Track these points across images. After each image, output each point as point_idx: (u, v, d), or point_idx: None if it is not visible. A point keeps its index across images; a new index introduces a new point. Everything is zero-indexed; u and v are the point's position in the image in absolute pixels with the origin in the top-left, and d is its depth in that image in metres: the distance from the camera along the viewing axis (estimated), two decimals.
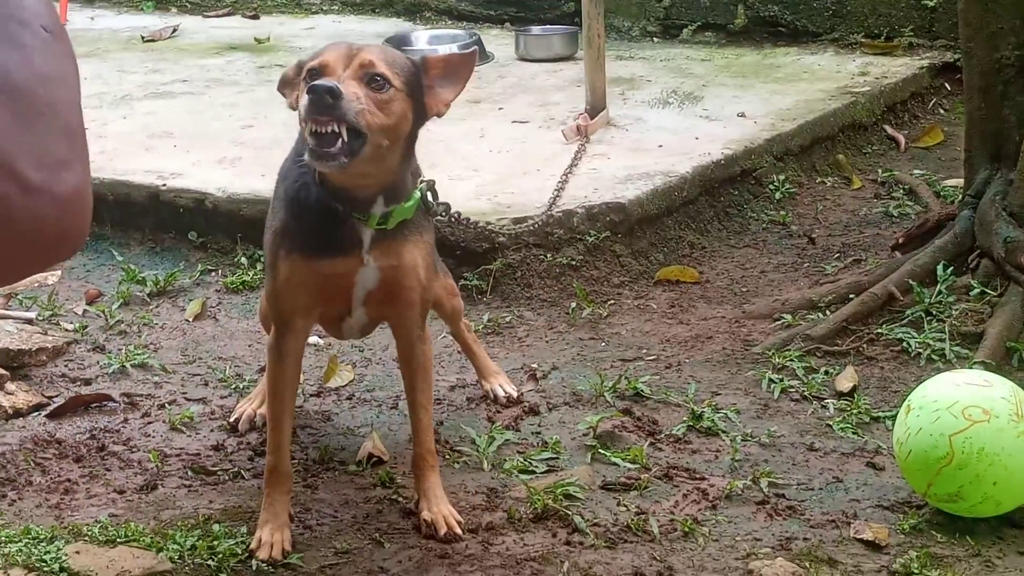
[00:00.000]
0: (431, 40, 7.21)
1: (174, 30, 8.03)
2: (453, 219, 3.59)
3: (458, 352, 4.20)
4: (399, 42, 7.11)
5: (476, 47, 3.19)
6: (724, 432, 3.73)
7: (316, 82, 2.87)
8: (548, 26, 7.18)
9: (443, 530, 3.25)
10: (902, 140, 5.97)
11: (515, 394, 3.99)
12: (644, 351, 4.29)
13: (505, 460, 3.62)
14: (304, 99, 2.88)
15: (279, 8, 8.48)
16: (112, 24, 8.38)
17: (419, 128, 3.13)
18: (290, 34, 7.92)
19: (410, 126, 3.06)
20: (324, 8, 8.36)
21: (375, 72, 2.95)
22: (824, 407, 3.84)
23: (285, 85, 3.15)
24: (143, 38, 7.92)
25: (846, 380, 3.94)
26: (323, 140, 2.87)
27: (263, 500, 3.30)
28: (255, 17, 8.34)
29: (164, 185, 5.26)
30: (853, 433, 3.69)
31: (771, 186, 5.40)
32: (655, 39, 7.24)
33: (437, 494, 3.33)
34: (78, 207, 1.14)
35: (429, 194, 3.25)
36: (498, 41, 7.29)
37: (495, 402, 3.98)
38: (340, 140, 2.86)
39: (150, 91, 6.74)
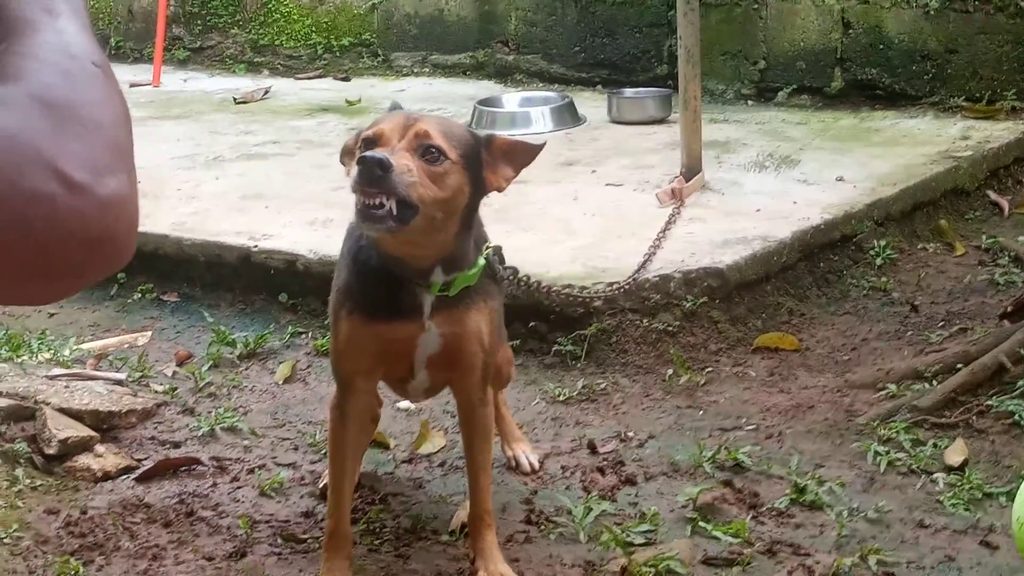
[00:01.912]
0: (522, 102, 7.17)
1: (266, 92, 8.05)
2: (522, 284, 3.51)
3: (552, 419, 4.10)
4: (490, 104, 7.08)
5: (546, 142, 3.12)
6: (829, 506, 3.59)
7: (366, 153, 2.83)
8: (641, 88, 7.11)
9: None
10: (1006, 206, 5.82)
11: (538, 464, 3.90)
12: (743, 420, 4.17)
13: (602, 532, 3.51)
14: (354, 169, 2.84)
15: (370, 70, 8.47)
16: (204, 86, 8.42)
17: (479, 201, 3.07)
18: (381, 96, 7.89)
19: (467, 199, 3.00)
20: (415, 71, 8.35)
21: (430, 144, 2.89)
22: (933, 481, 3.70)
23: (345, 154, 3.11)
24: (235, 100, 7.95)
25: (956, 453, 3.79)
26: (372, 205, 2.83)
27: (321, 564, 3.25)
28: (346, 79, 8.35)
29: (255, 247, 5.23)
30: (965, 509, 3.55)
31: (871, 252, 5.27)
32: (749, 102, 7.14)
33: (494, 553, 3.29)
34: (122, 211, 1.17)
35: (496, 260, 3.20)
36: (590, 103, 7.23)
37: (517, 469, 3.89)
38: (388, 208, 2.81)
39: (242, 152, 6.74)
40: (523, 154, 3.10)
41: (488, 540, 3.30)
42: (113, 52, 9.24)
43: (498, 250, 3.23)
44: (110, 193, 1.14)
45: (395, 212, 2.81)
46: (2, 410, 4.05)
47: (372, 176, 2.79)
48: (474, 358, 3.17)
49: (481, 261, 3.14)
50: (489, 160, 3.02)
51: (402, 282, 3.07)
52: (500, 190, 3.07)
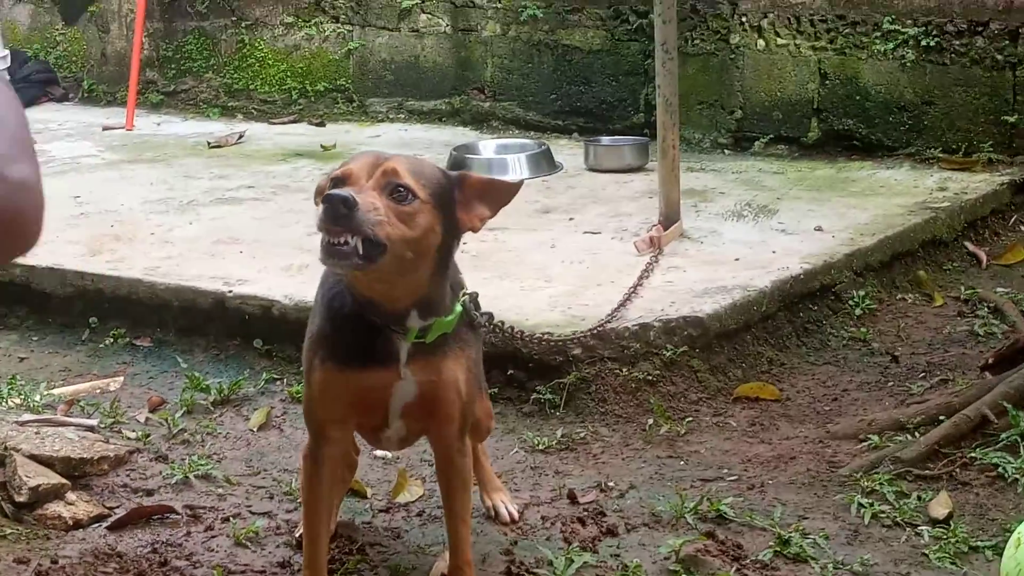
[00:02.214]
0: (498, 149, 7.14)
1: (240, 136, 8.01)
2: (498, 330, 3.45)
3: (531, 468, 4.05)
4: (466, 151, 7.05)
5: (523, 180, 3.06)
6: (813, 559, 3.55)
7: (331, 191, 2.77)
8: (618, 136, 7.09)
9: None
10: (984, 257, 5.81)
11: (517, 515, 3.84)
12: (725, 471, 4.12)
13: None
14: (319, 208, 2.79)
15: (345, 116, 8.43)
16: (178, 130, 8.36)
17: (453, 242, 3.01)
18: (356, 142, 7.86)
19: (439, 239, 2.94)
20: (391, 116, 8.31)
21: (399, 183, 2.84)
22: (918, 534, 3.66)
23: (317, 194, 3.04)
24: (209, 144, 7.90)
25: (940, 506, 3.75)
26: (337, 243, 2.77)
27: None
28: (321, 125, 8.30)
29: (230, 292, 5.17)
30: (951, 563, 3.50)
31: (851, 302, 5.25)
32: (726, 151, 7.13)
33: None
34: (30, 195, 1.35)
35: (472, 307, 3.15)
36: (566, 151, 7.21)
37: (496, 519, 3.83)
38: (353, 246, 2.75)
39: (216, 196, 6.68)
40: (499, 193, 3.03)
41: None
42: (86, 95, 9.20)
43: (474, 297, 3.17)
44: (18, 177, 1.32)
45: (361, 250, 2.75)
46: None
47: (336, 214, 2.72)
48: (451, 407, 3.12)
49: (458, 307, 3.08)
50: (462, 200, 2.96)
51: (377, 329, 3.01)
52: (475, 230, 3.01)
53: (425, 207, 2.87)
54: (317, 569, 3.21)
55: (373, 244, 2.76)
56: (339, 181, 2.84)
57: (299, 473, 4.16)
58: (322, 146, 7.69)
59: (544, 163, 6.89)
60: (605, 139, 7.06)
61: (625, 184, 6.55)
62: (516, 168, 6.84)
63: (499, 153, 7.07)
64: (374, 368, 3.04)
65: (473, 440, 3.82)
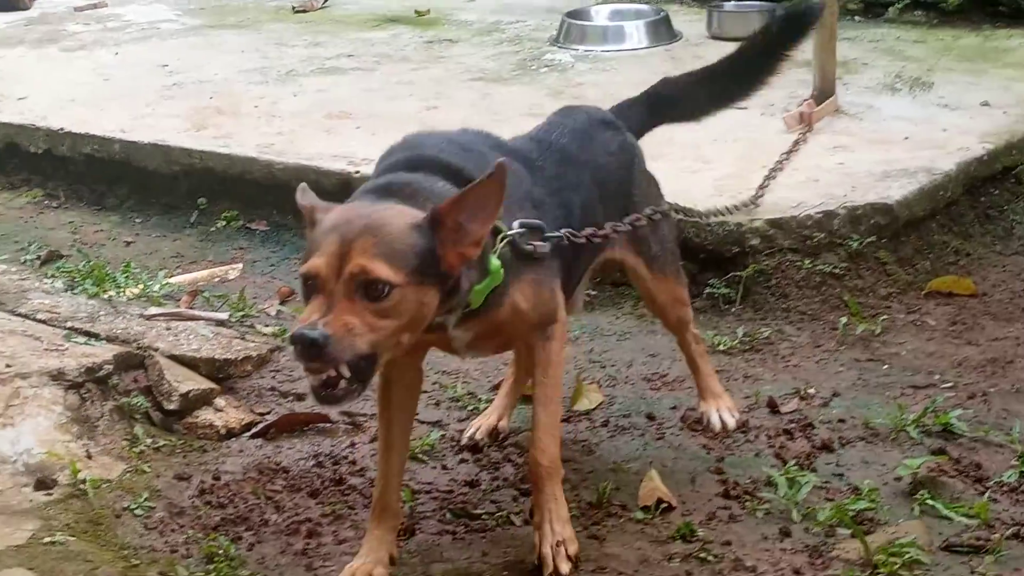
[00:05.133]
0: (612, 15, 6.66)
1: (325, 0, 7.53)
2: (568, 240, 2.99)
3: (744, 378, 3.68)
4: (577, 17, 6.57)
5: (503, 166, 2.57)
6: None
7: (297, 330, 2.49)
8: (743, 1, 6.59)
9: (548, 570, 2.84)
10: None
11: (733, 424, 3.49)
12: (936, 377, 3.75)
13: (816, 510, 3.08)
14: (290, 348, 2.60)
15: None
16: None
17: (455, 278, 2.63)
18: (451, 6, 7.40)
19: (436, 299, 2.61)
20: None
21: (368, 280, 2.51)
22: None
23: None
24: (293, 8, 7.44)
25: None
26: (326, 382, 2.55)
27: (366, 535, 2.93)
28: None
29: (357, 172, 4.76)
30: None
31: None
32: (856, 18, 6.65)
33: (553, 510, 2.89)
34: None
35: (522, 240, 2.79)
36: (683, 17, 6.74)
37: (706, 429, 3.48)
38: (342, 380, 2.54)
39: (316, 66, 6.25)
40: (481, 198, 2.59)
41: (546, 492, 2.89)
42: None
43: (516, 237, 2.77)
44: None
45: (349, 376, 2.54)
46: (113, 359, 3.59)
47: (311, 354, 2.49)
48: (513, 328, 2.88)
49: (495, 263, 2.72)
50: (445, 238, 2.58)
51: None
52: (472, 257, 2.63)
53: (406, 289, 2.54)
54: (387, 488, 2.94)
55: (361, 360, 2.53)
56: (307, 279, 2.56)
57: (465, 375, 3.86)
58: (416, 11, 7.23)
59: (664, 31, 6.43)
60: (729, 4, 6.57)
61: None
62: (634, 36, 6.38)
63: (613, 20, 6.59)
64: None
65: (676, 334, 3.53)
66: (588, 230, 2.96)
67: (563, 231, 2.89)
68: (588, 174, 3.09)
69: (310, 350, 2.48)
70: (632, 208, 3.21)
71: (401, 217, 2.59)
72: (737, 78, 3.60)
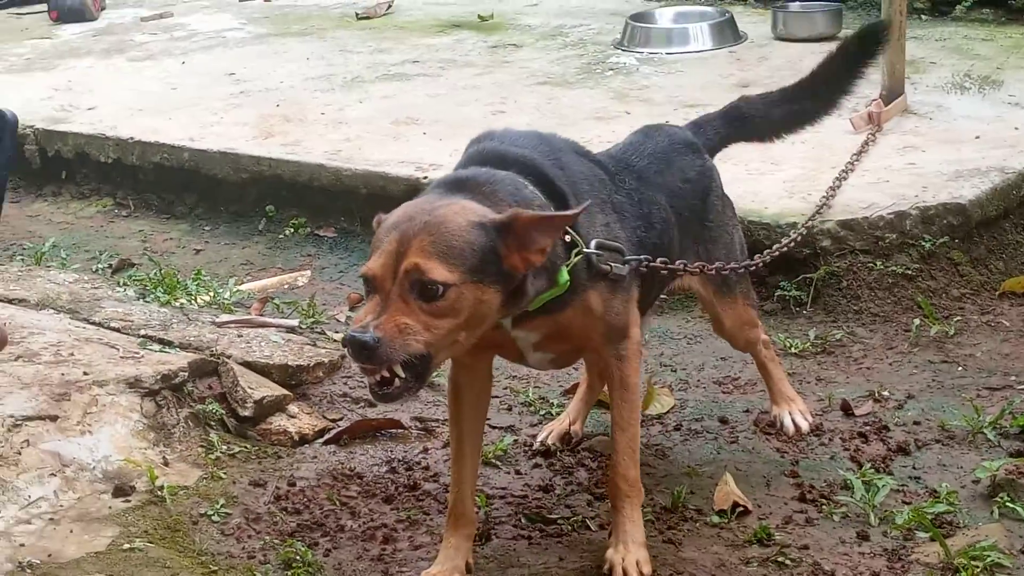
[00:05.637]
0: (676, 17, 6.65)
1: (389, 6, 7.56)
2: (644, 267, 2.93)
3: (817, 380, 3.66)
4: (641, 20, 6.56)
5: (583, 208, 2.59)
6: None
7: (349, 333, 2.51)
8: (808, 1, 6.55)
9: None
10: None
11: (806, 427, 3.47)
12: (1012, 378, 3.71)
13: (893, 513, 3.06)
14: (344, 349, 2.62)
15: None
16: (319, 0, 7.93)
17: (517, 280, 2.61)
18: (514, 11, 7.40)
19: (497, 298, 2.59)
20: None
21: (423, 280, 2.50)
22: None
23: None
24: (357, 15, 7.46)
25: None
26: (382, 380, 2.56)
27: (443, 542, 2.93)
28: None
29: (425, 178, 4.77)
30: None
31: None
32: (922, 16, 6.60)
33: (630, 532, 2.89)
34: None
35: (596, 258, 2.76)
36: (748, 18, 6.71)
37: (780, 432, 3.47)
38: (396, 379, 2.55)
39: (381, 73, 6.27)
40: (555, 226, 2.61)
41: (624, 514, 2.89)
42: None
43: (590, 255, 2.74)
44: None
45: (405, 376, 2.54)
46: (188, 366, 3.62)
47: (363, 357, 2.50)
48: (581, 339, 2.87)
49: (564, 277, 2.69)
50: (514, 242, 2.56)
51: None
52: (535, 263, 2.60)
53: (463, 288, 2.53)
54: (461, 494, 2.93)
55: (416, 360, 2.52)
56: (366, 281, 2.57)
57: (536, 380, 3.86)
58: (479, 16, 7.23)
59: (728, 32, 6.40)
60: (794, 5, 6.53)
61: (823, 55, 6.02)
62: (698, 38, 6.36)
63: (677, 22, 6.57)
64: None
65: (747, 351, 3.48)
66: (664, 260, 2.93)
67: (642, 257, 2.87)
68: (664, 198, 3.07)
69: (361, 352, 2.49)
70: (706, 234, 3.21)
71: (463, 214, 2.57)
72: (813, 99, 3.60)
